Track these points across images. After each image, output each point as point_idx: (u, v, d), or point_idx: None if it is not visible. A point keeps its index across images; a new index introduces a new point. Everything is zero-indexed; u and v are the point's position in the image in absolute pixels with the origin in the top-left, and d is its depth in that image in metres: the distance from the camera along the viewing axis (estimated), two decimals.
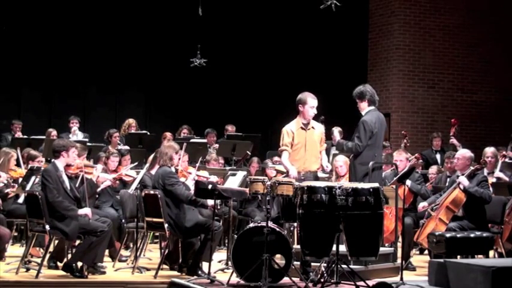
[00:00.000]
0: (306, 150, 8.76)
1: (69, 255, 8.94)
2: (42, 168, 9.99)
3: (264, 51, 16.11)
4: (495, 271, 7.18)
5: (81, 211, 8.62)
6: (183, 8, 15.05)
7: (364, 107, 9.04)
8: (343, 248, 7.93)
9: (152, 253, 10.42)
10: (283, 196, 8.05)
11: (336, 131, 9.28)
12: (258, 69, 16.16)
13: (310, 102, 8.76)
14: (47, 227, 8.53)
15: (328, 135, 9.34)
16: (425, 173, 11.81)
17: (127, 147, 12.77)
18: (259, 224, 8.31)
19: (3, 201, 9.69)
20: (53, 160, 8.84)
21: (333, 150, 11.39)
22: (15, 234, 10.98)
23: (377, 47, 16.75)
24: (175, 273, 8.89)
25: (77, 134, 13.58)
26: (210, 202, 8.94)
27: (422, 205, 9.59)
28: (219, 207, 10.60)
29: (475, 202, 9.13)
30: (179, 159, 9.41)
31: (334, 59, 16.35)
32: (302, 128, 8.79)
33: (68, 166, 8.83)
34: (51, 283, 8.45)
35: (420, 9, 16.43)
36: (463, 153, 9.54)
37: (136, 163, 11.16)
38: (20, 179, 9.89)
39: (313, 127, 8.84)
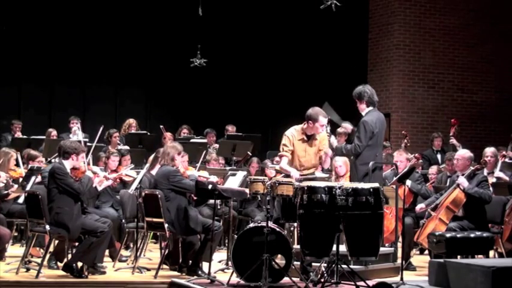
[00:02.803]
0: (304, 160, 8.76)
1: (69, 256, 8.94)
2: (44, 168, 10.01)
3: (264, 51, 16.11)
4: (495, 271, 7.18)
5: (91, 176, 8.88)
6: (183, 8, 15.05)
7: (363, 108, 9.02)
8: (343, 248, 7.94)
9: (152, 253, 10.42)
10: (283, 196, 8.05)
11: (333, 138, 9.25)
12: (258, 69, 16.15)
13: (321, 120, 8.69)
14: (47, 227, 8.55)
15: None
16: (425, 173, 11.81)
17: (127, 147, 12.76)
18: (259, 224, 8.32)
19: (3, 202, 9.69)
20: (60, 159, 8.83)
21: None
22: (15, 234, 10.98)
23: (377, 47, 16.75)
24: (175, 273, 8.89)
25: (77, 134, 13.56)
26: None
27: (419, 207, 9.59)
28: (219, 207, 10.61)
29: (475, 202, 9.13)
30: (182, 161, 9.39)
31: (334, 59, 16.34)
32: (304, 139, 8.75)
33: (73, 169, 8.84)
34: (51, 283, 8.46)
35: (420, 9, 16.42)
36: (463, 153, 9.53)
37: (133, 165, 11.12)
38: (20, 179, 9.89)
39: (315, 138, 8.81)
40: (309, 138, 8.78)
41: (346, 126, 9.20)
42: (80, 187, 8.62)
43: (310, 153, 8.77)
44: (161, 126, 13.37)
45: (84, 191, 8.65)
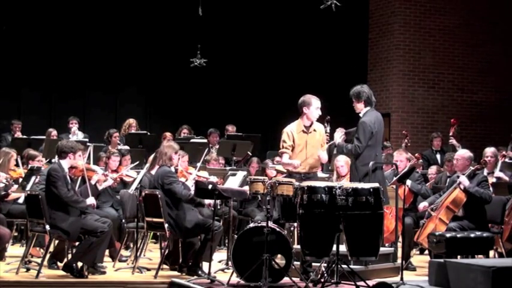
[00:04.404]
0: (306, 153, 8.74)
1: (69, 256, 8.94)
2: (44, 168, 10.02)
3: (264, 51, 16.11)
4: (495, 271, 7.19)
5: (87, 201, 8.75)
6: (183, 8, 15.05)
7: (360, 108, 9.01)
8: (343, 248, 7.94)
9: (152, 253, 10.42)
10: (283, 196, 8.05)
11: (337, 134, 9.24)
12: (258, 69, 16.16)
13: (314, 103, 8.72)
14: (47, 227, 8.54)
15: (331, 136, 9.31)
16: (425, 173, 11.81)
17: (127, 147, 12.76)
18: (259, 224, 8.32)
19: (3, 202, 9.68)
20: (58, 160, 8.84)
21: (335, 150, 11.37)
22: (15, 234, 10.98)
23: (377, 47, 16.75)
24: (175, 273, 8.89)
25: (77, 134, 13.57)
26: (207, 201, 8.95)
27: (423, 205, 9.57)
28: (219, 207, 10.61)
29: (475, 202, 9.13)
30: (179, 159, 9.40)
31: (334, 59, 16.35)
32: (304, 131, 8.75)
33: (71, 168, 8.84)
34: (51, 283, 8.45)
35: (420, 9, 16.43)
36: (462, 153, 9.53)
37: (137, 162, 11.13)
38: (20, 179, 9.89)
39: (314, 129, 8.81)
40: (309, 129, 8.77)
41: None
42: (67, 194, 8.52)
43: (311, 145, 8.75)
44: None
45: (69, 200, 8.53)
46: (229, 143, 13.00)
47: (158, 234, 9.73)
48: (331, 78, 15.96)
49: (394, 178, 9.27)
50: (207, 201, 9.27)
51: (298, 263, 8.40)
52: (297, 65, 16.21)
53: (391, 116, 16.14)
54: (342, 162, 10.33)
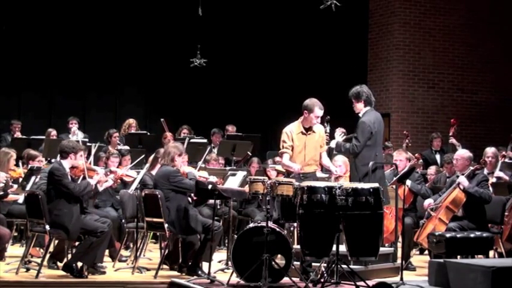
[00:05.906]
0: (305, 154, 8.75)
1: (69, 256, 8.94)
2: (43, 168, 10.02)
3: (264, 51, 16.11)
4: (495, 271, 7.20)
5: (91, 182, 8.81)
6: (183, 8, 15.04)
7: (360, 108, 9.02)
8: (343, 248, 7.94)
9: (152, 253, 10.42)
10: (283, 196, 8.05)
11: (337, 133, 9.26)
12: (258, 69, 16.15)
13: (316, 111, 8.71)
14: (47, 227, 8.55)
15: (331, 136, 9.32)
16: (424, 173, 11.81)
17: (127, 147, 12.76)
18: (259, 224, 8.32)
19: (2, 202, 9.68)
20: (59, 159, 8.85)
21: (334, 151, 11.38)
22: (15, 234, 10.98)
23: (377, 47, 16.75)
24: (175, 273, 8.89)
25: (77, 134, 13.56)
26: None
27: (428, 202, 9.49)
28: (219, 207, 10.61)
29: (474, 202, 9.13)
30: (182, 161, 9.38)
31: (334, 59, 16.34)
32: (302, 132, 8.77)
33: (72, 168, 8.84)
34: (51, 283, 8.45)
35: (420, 9, 16.44)
36: (462, 153, 9.53)
37: (139, 159, 11.10)
38: (20, 179, 9.89)
39: (314, 131, 8.81)
40: (308, 131, 8.78)
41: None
42: (76, 187, 8.60)
43: (310, 147, 8.77)
44: (162, 120, 13.35)
45: (80, 192, 8.62)
46: (229, 143, 13.00)
47: (158, 234, 9.73)
48: (331, 78, 15.95)
49: (394, 178, 9.27)
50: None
51: (298, 263, 8.40)
52: (297, 65, 16.20)
53: (391, 116, 16.14)
54: (340, 162, 10.31)
